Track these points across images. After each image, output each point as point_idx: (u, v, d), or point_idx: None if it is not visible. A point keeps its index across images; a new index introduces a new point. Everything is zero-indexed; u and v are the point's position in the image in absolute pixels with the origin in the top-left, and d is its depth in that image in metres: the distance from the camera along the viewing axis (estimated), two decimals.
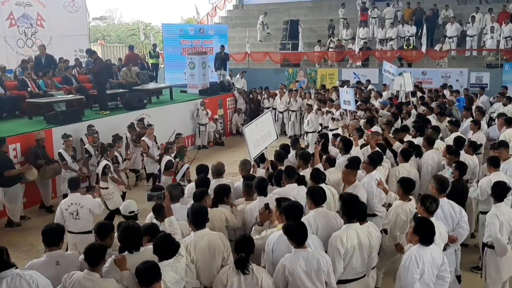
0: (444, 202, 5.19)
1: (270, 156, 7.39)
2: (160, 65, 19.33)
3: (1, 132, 9.26)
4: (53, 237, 4.34)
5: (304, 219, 4.59)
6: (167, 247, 3.93)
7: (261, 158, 7.17)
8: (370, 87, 16.01)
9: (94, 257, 3.89)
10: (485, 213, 6.35)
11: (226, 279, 3.99)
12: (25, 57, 14.94)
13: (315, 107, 13.23)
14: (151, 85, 15.09)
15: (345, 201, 4.54)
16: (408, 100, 12.74)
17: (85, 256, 3.92)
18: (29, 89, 11.81)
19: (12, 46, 15.59)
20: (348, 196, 4.66)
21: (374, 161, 6.35)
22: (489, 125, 12.34)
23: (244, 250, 4.04)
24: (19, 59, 15.12)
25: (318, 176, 5.77)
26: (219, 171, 6.37)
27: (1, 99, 11.34)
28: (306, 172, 6.11)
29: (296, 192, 5.43)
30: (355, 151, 7.35)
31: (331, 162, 6.64)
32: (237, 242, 4.17)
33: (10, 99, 11.52)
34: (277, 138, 7.79)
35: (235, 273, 3.98)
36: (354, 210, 4.50)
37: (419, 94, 14.07)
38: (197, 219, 4.48)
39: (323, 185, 5.65)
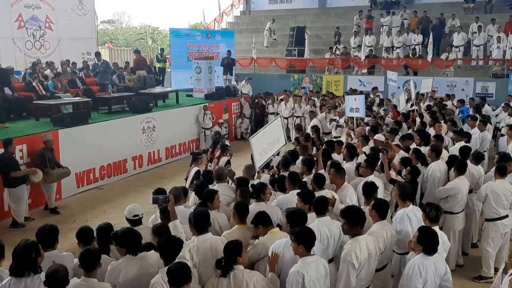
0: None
1: None
2: (167, 69, 19.44)
3: (8, 133, 9.32)
4: (48, 238, 4.33)
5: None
6: (171, 248, 3.96)
7: (265, 164, 7.19)
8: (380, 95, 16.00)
9: (89, 262, 3.88)
10: (490, 220, 6.42)
11: (217, 282, 3.98)
12: (34, 59, 15.06)
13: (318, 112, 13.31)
14: (158, 89, 15.16)
15: (346, 215, 4.46)
16: (413, 108, 12.74)
17: (80, 262, 3.89)
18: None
19: (21, 48, 15.72)
20: (349, 209, 4.59)
21: (372, 164, 6.42)
22: (494, 135, 12.34)
23: (229, 254, 3.98)
24: (27, 61, 15.28)
25: (321, 181, 5.81)
26: (219, 175, 6.43)
27: (9, 100, 11.38)
28: (310, 178, 6.14)
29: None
30: (360, 158, 7.35)
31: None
32: (225, 246, 4.11)
33: (18, 100, 11.58)
34: (286, 143, 7.77)
35: (223, 278, 3.96)
36: (359, 222, 4.46)
37: (425, 103, 14.07)
38: (200, 224, 4.49)
39: (325, 191, 5.69)
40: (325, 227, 4.71)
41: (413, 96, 13.08)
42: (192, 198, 6.21)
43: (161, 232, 4.44)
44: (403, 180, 6.44)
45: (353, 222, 4.41)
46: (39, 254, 3.89)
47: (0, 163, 8.26)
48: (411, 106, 13.20)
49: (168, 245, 3.98)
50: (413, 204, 5.57)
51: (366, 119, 11.17)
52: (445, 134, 9.59)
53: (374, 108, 13.48)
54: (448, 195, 6.57)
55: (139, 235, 4.32)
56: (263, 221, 4.63)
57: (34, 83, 12.10)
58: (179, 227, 4.51)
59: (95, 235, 4.62)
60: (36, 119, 11.16)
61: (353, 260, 4.25)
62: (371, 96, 15.81)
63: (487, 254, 6.48)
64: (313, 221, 4.76)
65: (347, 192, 5.85)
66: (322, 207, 4.84)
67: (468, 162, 7.18)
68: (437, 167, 7.08)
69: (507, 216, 6.37)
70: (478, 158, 7.36)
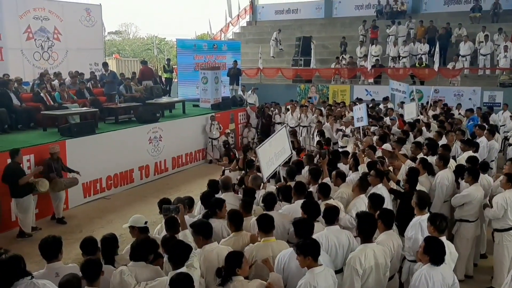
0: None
1: None
2: (173, 80, 19.55)
3: (15, 143, 9.37)
4: (50, 249, 4.31)
5: (314, 237, 4.57)
6: (179, 252, 3.98)
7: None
8: (389, 105, 15.92)
9: (91, 272, 3.86)
10: (501, 230, 6.29)
11: None
12: (42, 70, 15.20)
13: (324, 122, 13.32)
14: (164, 99, 15.23)
15: (361, 220, 4.50)
16: (418, 118, 12.68)
17: (82, 272, 3.87)
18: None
19: (29, 58, 15.90)
20: (363, 215, 4.61)
21: (381, 174, 6.40)
22: (503, 144, 12.26)
23: (230, 263, 3.99)
24: (35, 72, 15.42)
25: (327, 190, 5.82)
26: (226, 185, 6.45)
27: (17, 111, 11.53)
28: (316, 188, 6.12)
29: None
30: (362, 168, 7.33)
31: (342, 176, 6.66)
32: (226, 256, 4.12)
33: (25, 111, 11.71)
34: (292, 153, 7.75)
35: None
36: (370, 229, 4.47)
37: (431, 112, 14.03)
38: (205, 230, 4.52)
39: (331, 200, 5.67)
40: (333, 236, 4.69)
41: (418, 105, 13.05)
42: (198, 207, 6.21)
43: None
44: (402, 190, 6.45)
45: (361, 226, 4.45)
46: (25, 265, 3.87)
47: (7, 173, 8.31)
48: (417, 115, 13.15)
49: (177, 249, 3.99)
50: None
51: (373, 129, 11.14)
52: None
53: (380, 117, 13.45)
54: (464, 202, 6.52)
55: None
56: (261, 226, 4.68)
57: (42, 94, 12.21)
58: (189, 236, 4.52)
59: (99, 245, 4.62)
60: (43, 129, 11.24)
61: (356, 266, 4.25)
62: (380, 106, 15.77)
63: (501, 265, 6.34)
64: (319, 231, 4.75)
65: (355, 203, 5.83)
66: (332, 216, 4.82)
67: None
68: (445, 176, 7.04)
69: None
70: (484, 167, 7.31)
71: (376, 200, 5.37)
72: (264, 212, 5.04)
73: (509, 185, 6.32)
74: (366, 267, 4.28)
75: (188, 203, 5.89)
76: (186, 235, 4.51)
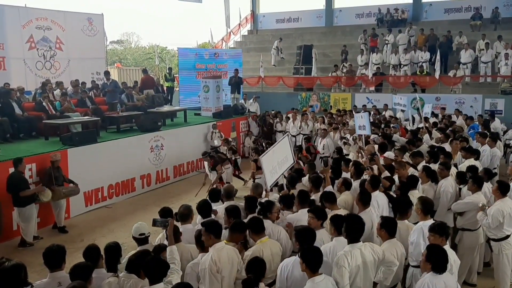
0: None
1: None
2: (175, 88, 19.60)
3: (17, 153, 9.39)
4: (54, 258, 4.31)
5: (321, 248, 4.54)
6: (156, 268, 3.97)
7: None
8: (388, 112, 15.95)
9: (79, 278, 3.87)
10: (497, 240, 6.22)
11: None
12: (44, 79, 15.25)
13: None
14: (166, 108, 15.27)
15: (349, 223, 4.51)
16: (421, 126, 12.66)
17: (70, 278, 3.89)
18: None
19: (31, 68, 15.99)
20: (352, 217, 4.64)
21: (376, 181, 6.39)
22: (505, 152, 12.23)
23: (254, 272, 4.01)
24: (37, 81, 15.49)
25: (333, 198, 5.80)
26: (228, 193, 6.45)
27: (19, 120, 11.56)
28: (318, 196, 6.09)
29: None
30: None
31: (347, 185, 6.64)
32: (248, 263, 4.15)
33: (28, 120, 11.74)
34: (294, 162, 7.76)
35: None
36: (357, 232, 4.47)
37: (432, 119, 14.02)
38: (216, 229, 4.57)
39: (340, 211, 5.65)
40: (340, 248, 4.60)
41: (421, 113, 13.04)
42: (199, 217, 6.19)
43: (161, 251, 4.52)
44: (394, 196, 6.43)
45: (348, 228, 4.48)
46: (26, 274, 3.88)
47: (10, 182, 8.32)
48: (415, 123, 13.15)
49: (153, 266, 3.99)
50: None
51: (373, 137, 11.11)
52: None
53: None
54: (465, 210, 6.48)
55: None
56: (254, 229, 4.82)
57: (44, 103, 12.24)
58: (175, 253, 4.49)
59: (102, 253, 4.61)
60: (45, 138, 11.25)
61: (345, 264, 4.25)
62: (383, 113, 15.79)
63: (503, 275, 6.26)
64: (324, 237, 4.77)
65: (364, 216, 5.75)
66: (341, 225, 4.71)
67: None
68: (449, 183, 7.00)
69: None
70: (490, 175, 7.28)
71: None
72: (253, 216, 5.15)
73: (498, 193, 6.22)
74: (352, 266, 4.29)
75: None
76: (172, 251, 4.48)
